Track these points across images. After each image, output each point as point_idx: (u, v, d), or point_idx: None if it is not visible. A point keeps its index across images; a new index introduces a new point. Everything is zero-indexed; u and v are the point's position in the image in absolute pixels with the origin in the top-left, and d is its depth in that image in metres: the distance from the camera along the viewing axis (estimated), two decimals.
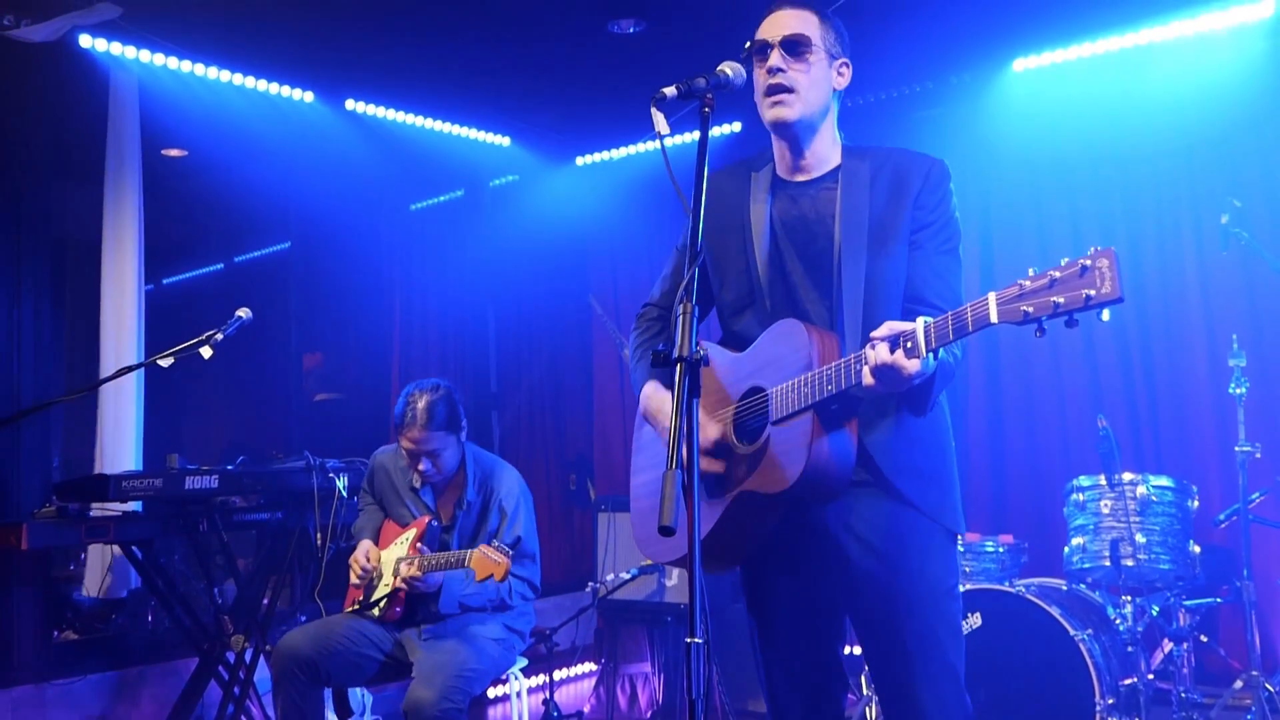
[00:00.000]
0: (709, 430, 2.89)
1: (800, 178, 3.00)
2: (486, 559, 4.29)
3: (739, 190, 3.07)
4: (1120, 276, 2.17)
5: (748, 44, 2.97)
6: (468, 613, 4.61)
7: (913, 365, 2.46)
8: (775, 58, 2.90)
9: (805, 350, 2.71)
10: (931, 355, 2.48)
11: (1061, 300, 2.24)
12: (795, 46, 2.90)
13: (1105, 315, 2.23)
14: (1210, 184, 6.17)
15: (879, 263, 2.85)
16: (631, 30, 6.38)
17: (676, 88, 2.64)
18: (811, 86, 2.91)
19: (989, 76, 6.86)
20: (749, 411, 2.85)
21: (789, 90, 2.89)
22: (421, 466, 4.69)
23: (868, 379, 2.52)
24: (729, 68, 2.73)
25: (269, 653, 5.21)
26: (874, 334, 2.51)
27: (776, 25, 2.94)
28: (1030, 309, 2.28)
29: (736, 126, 7.80)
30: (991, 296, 2.35)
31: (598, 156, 8.75)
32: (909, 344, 2.46)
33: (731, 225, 3.04)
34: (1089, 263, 2.21)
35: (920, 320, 2.47)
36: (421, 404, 4.65)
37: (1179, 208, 6.35)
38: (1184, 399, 6.28)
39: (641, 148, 8.47)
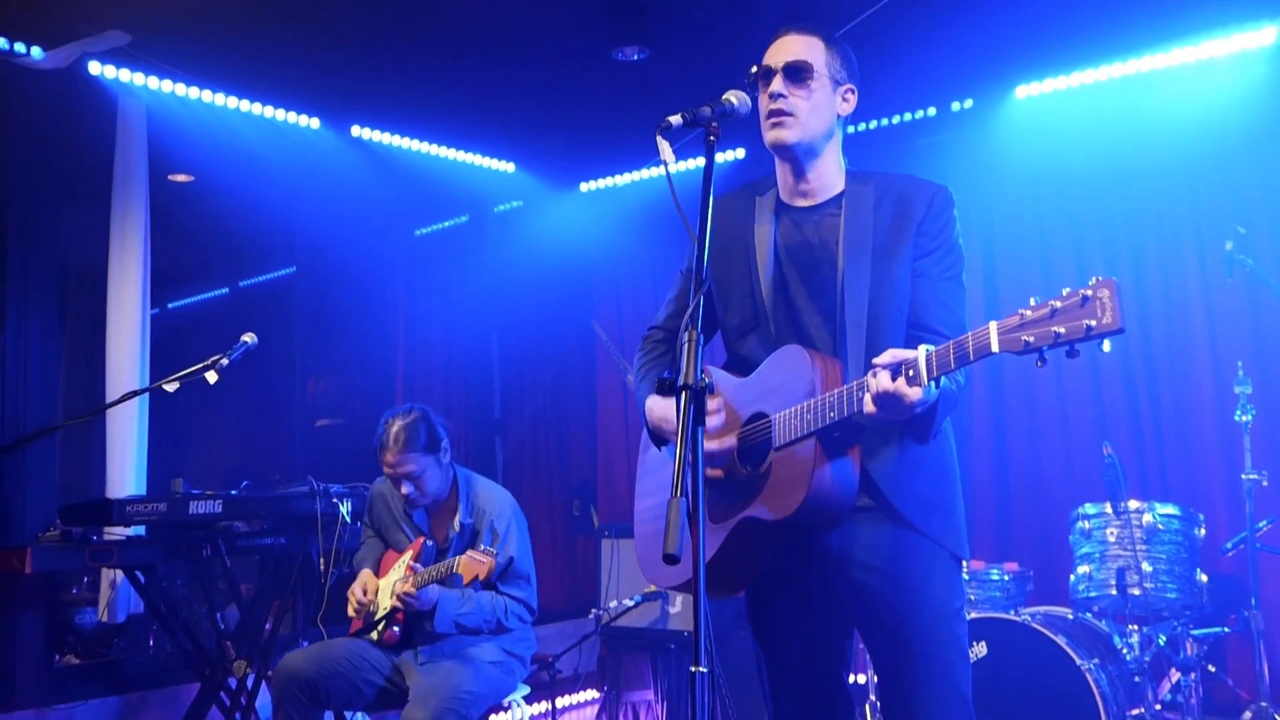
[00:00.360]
0: (714, 455, 2.89)
1: (803, 202, 3.01)
2: (472, 561, 4.38)
3: (743, 214, 3.08)
4: (1121, 307, 2.18)
5: (753, 69, 2.98)
6: (464, 634, 4.61)
7: (914, 393, 2.47)
8: (777, 83, 2.92)
9: (808, 376, 2.71)
10: (933, 383, 2.48)
11: (1062, 330, 2.24)
12: (797, 73, 2.92)
13: (1106, 346, 2.23)
14: (1214, 210, 6.17)
15: (882, 289, 2.86)
16: (636, 58, 6.39)
17: (682, 116, 2.66)
18: (812, 111, 2.92)
19: (992, 102, 6.88)
20: (753, 437, 2.85)
21: (789, 114, 2.90)
22: (404, 490, 4.72)
23: (869, 406, 2.52)
24: (734, 96, 2.74)
25: (270, 678, 5.21)
26: (876, 361, 2.52)
27: (781, 51, 2.96)
28: (1031, 339, 2.29)
29: (740, 153, 7.83)
30: (993, 326, 2.36)
31: (602, 183, 8.78)
32: (910, 372, 2.47)
33: (735, 249, 3.05)
34: (1090, 293, 2.22)
35: (922, 348, 2.47)
36: (396, 427, 4.70)
37: (1183, 234, 6.34)
38: (1189, 426, 6.26)
39: (646, 174, 8.49)
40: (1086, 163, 6.57)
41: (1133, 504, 5.05)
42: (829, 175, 3.01)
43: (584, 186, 8.86)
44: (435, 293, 9.14)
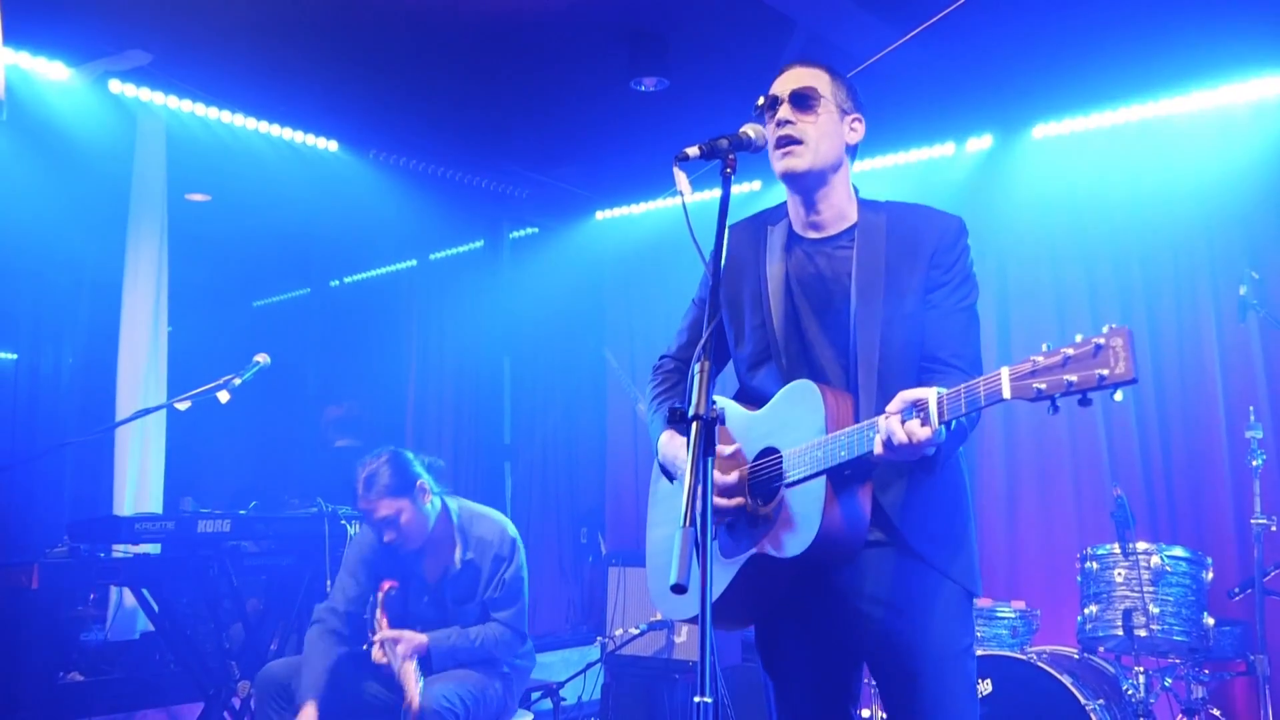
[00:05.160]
0: (725, 488, 2.88)
1: (815, 234, 2.99)
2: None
3: (754, 246, 3.07)
4: (1134, 357, 2.17)
5: (760, 100, 2.99)
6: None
7: (925, 433, 2.46)
8: (784, 110, 2.91)
9: (819, 413, 2.71)
10: (944, 426, 2.47)
11: (1075, 379, 2.24)
12: (804, 100, 2.92)
13: (1118, 396, 2.23)
14: (1230, 254, 6.14)
15: (894, 322, 2.85)
16: (654, 88, 6.43)
17: (699, 148, 2.66)
18: (821, 138, 2.91)
19: (1010, 141, 6.88)
20: (763, 472, 2.84)
21: (798, 141, 2.89)
22: (386, 536, 4.67)
23: (878, 449, 2.52)
24: (751, 130, 2.76)
25: None
26: (888, 408, 2.51)
27: (787, 81, 2.97)
28: (1043, 386, 2.29)
29: (756, 185, 7.84)
30: (1005, 371, 2.36)
31: (617, 212, 8.79)
32: (921, 414, 2.46)
33: (747, 282, 3.05)
34: (1103, 341, 2.21)
35: (933, 391, 2.46)
36: (364, 474, 4.65)
37: (1198, 278, 6.30)
38: (1200, 470, 6.21)
39: (661, 204, 8.50)
40: (1103, 204, 6.56)
41: (1141, 545, 5.02)
42: (840, 205, 2.99)
43: (599, 215, 8.87)
44: (448, 316, 9.16)
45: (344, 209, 7.66)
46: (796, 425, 2.76)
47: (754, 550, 2.79)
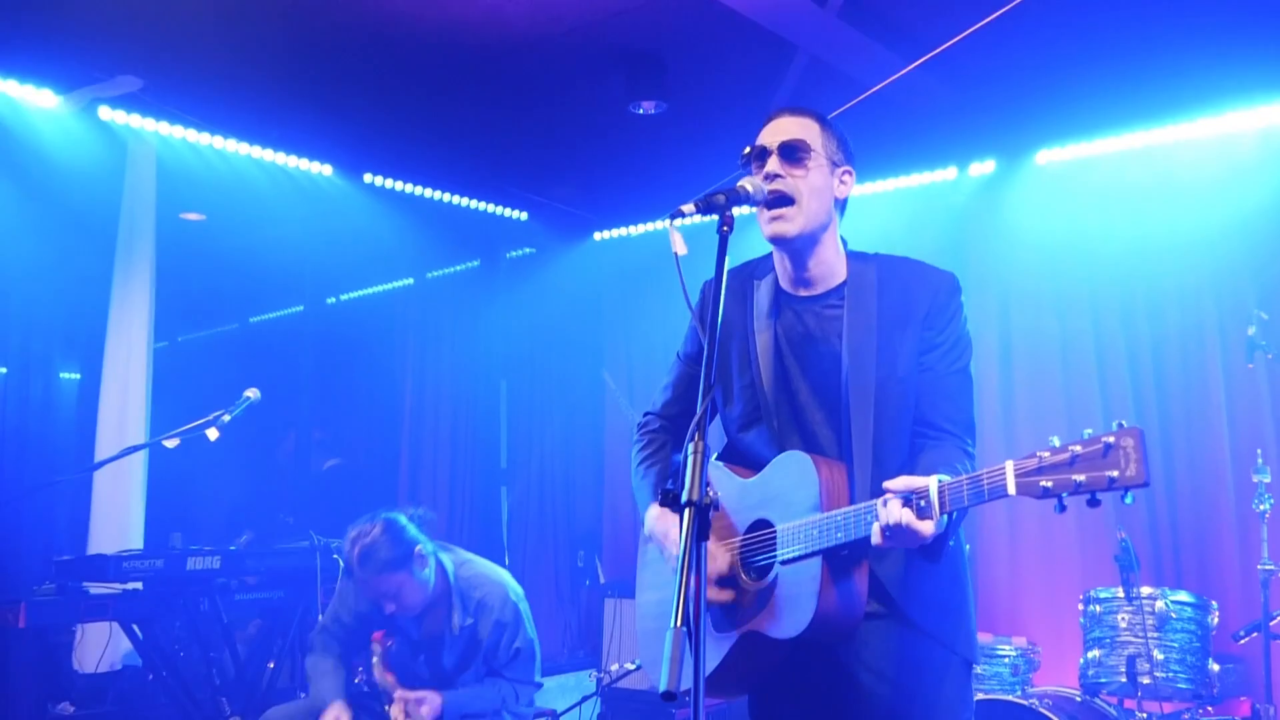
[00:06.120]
0: (717, 561, 2.80)
1: (805, 292, 2.91)
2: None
3: (741, 302, 2.98)
4: (1146, 459, 2.10)
5: (746, 150, 2.88)
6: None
7: (926, 528, 2.39)
8: (773, 164, 2.81)
9: (812, 489, 2.64)
10: (945, 516, 2.39)
11: (1083, 479, 2.17)
12: (793, 152, 2.82)
13: (1129, 499, 2.16)
14: (1237, 287, 6.02)
15: (887, 385, 2.77)
16: (653, 111, 6.37)
17: (695, 204, 2.57)
18: (812, 195, 2.81)
19: (1013, 166, 6.79)
20: (757, 545, 2.77)
21: (789, 202, 2.78)
22: (387, 609, 4.46)
23: (876, 538, 2.44)
24: (749, 184, 2.70)
25: None
26: (888, 485, 2.43)
27: (776, 131, 2.86)
28: (1049, 484, 2.22)
29: (745, 209, 7.75)
30: (1009, 467, 2.29)
31: (615, 233, 8.73)
32: (922, 502, 2.38)
33: (735, 340, 2.97)
34: (1113, 440, 2.14)
35: (934, 480, 2.39)
36: (359, 548, 4.38)
37: (1204, 310, 6.17)
38: (1206, 513, 6.10)
39: (659, 225, 8.42)
40: (1107, 231, 6.44)
41: (1145, 590, 4.94)
42: (829, 262, 2.89)
43: (597, 236, 8.80)
44: (444, 336, 9.08)
45: (339, 232, 7.59)
46: (790, 499, 2.69)
47: (748, 627, 2.72)
